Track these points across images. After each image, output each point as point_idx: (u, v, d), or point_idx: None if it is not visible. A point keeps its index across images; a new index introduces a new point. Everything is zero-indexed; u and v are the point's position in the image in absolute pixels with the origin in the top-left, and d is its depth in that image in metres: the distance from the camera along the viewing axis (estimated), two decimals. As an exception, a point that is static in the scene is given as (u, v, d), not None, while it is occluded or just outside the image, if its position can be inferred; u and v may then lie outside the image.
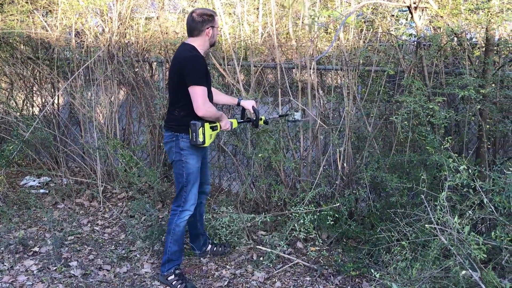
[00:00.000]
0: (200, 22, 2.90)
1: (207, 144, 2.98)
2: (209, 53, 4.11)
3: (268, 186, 3.89)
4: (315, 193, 3.52)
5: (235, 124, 3.21)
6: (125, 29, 4.59)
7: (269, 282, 3.18)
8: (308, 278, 3.21)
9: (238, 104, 3.36)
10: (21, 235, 3.67)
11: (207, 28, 2.91)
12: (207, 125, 2.95)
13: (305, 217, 3.30)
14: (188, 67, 2.83)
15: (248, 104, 3.32)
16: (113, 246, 3.64)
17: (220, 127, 3.08)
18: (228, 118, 3.14)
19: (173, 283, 3.04)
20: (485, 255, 2.30)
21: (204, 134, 2.93)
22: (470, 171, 2.63)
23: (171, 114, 3.01)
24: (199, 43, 2.95)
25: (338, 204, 3.41)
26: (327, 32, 4.22)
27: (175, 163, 3.02)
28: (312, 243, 3.60)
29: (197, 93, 2.81)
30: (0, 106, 5.03)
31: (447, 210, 2.47)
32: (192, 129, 2.90)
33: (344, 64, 3.71)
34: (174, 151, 3.00)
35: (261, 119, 3.36)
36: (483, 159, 3.32)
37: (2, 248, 3.49)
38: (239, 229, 3.55)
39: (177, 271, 3.09)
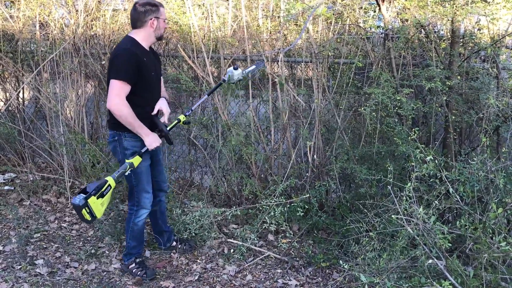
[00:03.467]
0: (142, 12, 2.77)
1: (99, 216, 2.69)
2: (178, 45, 4.04)
3: (239, 179, 3.87)
4: (286, 186, 3.52)
5: (136, 162, 2.83)
6: (91, 21, 4.48)
7: (240, 275, 3.17)
8: (279, 271, 3.21)
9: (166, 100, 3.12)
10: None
11: (151, 19, 2.78)
12: (92, 199, 2.63)
13: (276, 209, 3.30)
14: (114, 61, 2.74)
15: (157, 104, 2.99)
16: (81, 243, 3.56)
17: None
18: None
19: (133, 270, 3.10)
20: (450, 244, 2.35)
21: (91, 211, 2.64)
22: (436, 161, 2.67)
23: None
24: (142, 36, 2.82)
25: (308, 195, 3.42)
26: (297, 25, 4.21)
27: (121, 163, 2.90)
28: (283, 235, 3.61)
29: (113, 86, 2.69)
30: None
31: (414, 200, 2.51)
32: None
33: (313, 57, 3.71)
34: (118, 151, 2.90)
35: (179, 120, 3.05)
36: (450, 150, 3.38)
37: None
38: (209, 223, 3.52)
39: (137, 260, 3.13)
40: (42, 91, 4.50)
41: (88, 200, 2.61)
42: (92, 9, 4.42)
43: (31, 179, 4.52)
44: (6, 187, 4.51)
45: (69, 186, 4.29)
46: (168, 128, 2.95)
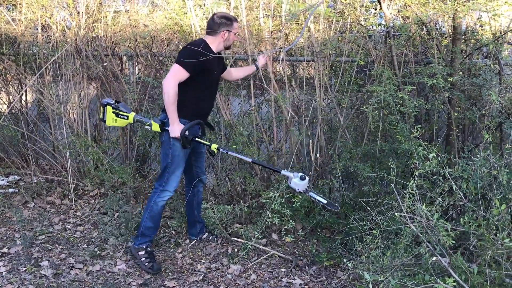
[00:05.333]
0: (217, 24, 3.10)
1: (108, 124, 3.25)
2: (180, 46, 4.05)
3: (242, 179, 3.87)
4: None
5: (155, 127, 3.14)
6: (93, 23, 4.49)
7: (244, 274, 3.17)
8: (283, 270, 3.21)
9: (258, 68, 3.61)
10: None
11: (223, 31, 3.10)
12: (109, 108, 3.19)
13: (277, 200, 3.25)
14: (182, 51, 3.11)
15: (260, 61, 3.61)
16: (85, 244, 3.57)
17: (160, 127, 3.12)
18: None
19: (142, 259, 3.21)
20: (454, 241, 2.34)
21: (104, 113, 3.20)
22: (439, 158, 2.67)
23: None
24: (212, 41, 3.13)
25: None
26: (298, 24, 4.21)
27: (163, 142, 3.15)
28: (287, 234, 3.60)
29: (172, 68, 2.99)
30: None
31: (417, 198, 2.50)
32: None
33: (315, 55, 3.71)
34: (164, 131, 3.13)
35: (210, 146, 3.16)
36: (453, 147, 3.37)
37: (-30, 250, 3.39)
38: (216, 221, 3.51)
39: (148, 249, 3.25)
40: (45, 94, 4.52)
41: (106, 106, 3.19)
42: (93, 11, 4.44)
43: (35, 181, 4.53)
44: (10, 190, 4.53)
45: (73, 188, 4.30)
46: (196, 139, 3.12)
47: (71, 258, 3.36)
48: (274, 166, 3.86)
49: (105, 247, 3.49)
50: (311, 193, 2.99)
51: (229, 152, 3.19)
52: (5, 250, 3.42)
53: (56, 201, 4.32)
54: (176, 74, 2.98)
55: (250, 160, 3.21)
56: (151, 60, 4.49)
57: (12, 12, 4.78)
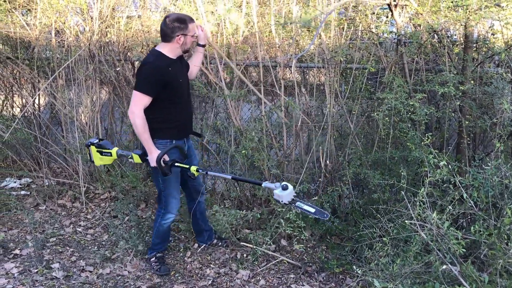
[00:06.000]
0: (170, 29, 2.89)
1: (96, 164, 3.18)
2: (191, 52, 4.08)
3: (252, 185, 3.88)
4: (299, 191, 3.52)
5: (136, 159, 3.05)
6: (106, 28, 4.54)
7: (253, 280, 3.18)
8: (292, 276, 3.22)
9: (203, 46, 3.31)
10: (2, 237, 3.61)
11: (178, 36, 2.89)
12: (93, 148, 3.10)
13: (294, 217, 3.26)
14: (137, 74, 2.97)
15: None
16: (96, 247, 3.60)
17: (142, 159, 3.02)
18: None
19: (152, 264, 3.29)
20: (464, 250, 2.34)
21: (90, 154, 3.14)
22: (450, 166, 2.66)
23: (146, 118, 2.94)
24: (169, 49, 2.95)
25: (328, 203, 3.39)
26: (309, 30, 4.22)
27: (152, 168, 3.03)
28: (296, 240, 3.61)
29: (133, 96, 2.87)
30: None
31: (427, 205, 2.50)
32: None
33: (325, 62, 3.72)
34: (146, 161, 3.02)
35: (189, 169, 2.99)
36: (463, 155, 3.36)
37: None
38: (228, 226, 3.53)
39: (158, 254, 3.32)
40: (58, 97, 4.58)
41: (90, 147, 3.11)
42: (106, 17, 4.49)
43: (47, 184, 4.58)
44: (23, 192, 4.59)
45: (84, 191, 4.34)
46: (176, 164, 2.97)
47: (81, 260, 3.39)
48: (283, 172, 3.87)
49: (115, 250, 3.52)
50: (297, 204, 2.72)
51: (208, 172, 3.06)
52: (17, 251, 3.47)
53: (67, 204, 4.37)
54: (138, 102, 2.85)
55: (229, 177, 3.11)
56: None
57: (27, 17, 4.85)
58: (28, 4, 4.71)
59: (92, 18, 4.46)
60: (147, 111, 2.90)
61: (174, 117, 3.03)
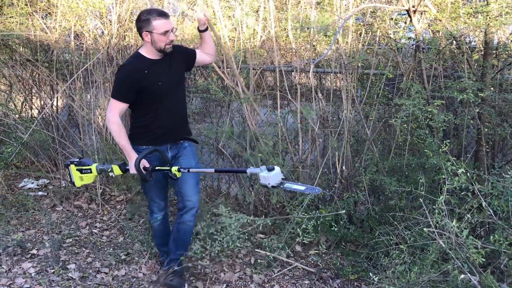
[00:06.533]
0: (137, 26, 2.75)
1: (77, 185, 2.97)
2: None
3: (266, 189, 3.87)
4: (314, 196, 3.51)
5: (116, 171, 2.87)
6: (124, 32, 4.59)
7: (267, 285, 3.17)
8: (306, 282, 3.20)
9: (205, 30, 3.00)
10: (19, 237, 3.66)
11: (143, 33, 2.71)
12: (72, 167, 2.93)
13: (308, 223, 3.26)
14: (115, 78, 2.90)
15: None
16: (111, 249, 3.63)
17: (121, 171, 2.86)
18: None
19: (168, 275, 3.02)
20: (483, 259, 2.30)
21: (70, 174, 2.94)
22: (468, 174, 2.63)
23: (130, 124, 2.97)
24: (147, 49, 2.79)
25: (344, 211, 3.38)
26: (326, 35, 4.22)
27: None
28: (311, 246, 3.59)
29: (109, 103, 2.80)
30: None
31: (445, 213, 2.47)
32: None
33: (343, 67, 3.71)
34: (126, 172, 2.93)
35: (170, 170, 2.78)
36: (482, 163, 3.32)
37: (0, 251, 3.48)
38: (238, 232, 3.53)
39: (174, 268, 3.00)
40: (76, 100, 4.63)
41: (70, 166, 2.93)
42: (125, 20, 4.55)
43: (64, 185, 4.63)
44: (40, 193, 4.65)
45: (100, 192, 4.38)
46: (156, 168, 2.81)
47: (97, 262, 3.42)
48: (298, 177, 3.86)
49: (130, 252, 3.54)
50: (286, 185, 2.52)
51: (190, 170, 2.81)
52: (34, 251, 3.51)
53: (83, 205, 4.41)
54: (113, 108, 2.75)
55: (212, 170, 2.99)
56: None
57: (47, 20, 4.93)
58: (48, 8, 4.79)
59: (110, 21, 4.52)
60: (132, 116, 2.90)
61: (152, 122, 2.86)
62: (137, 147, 2.84)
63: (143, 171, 2.74)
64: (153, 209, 3.14)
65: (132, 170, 2.76)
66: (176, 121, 2.96)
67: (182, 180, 2.92)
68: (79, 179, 2.95)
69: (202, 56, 3.06)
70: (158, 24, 2.67)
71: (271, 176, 2.49)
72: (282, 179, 2.54)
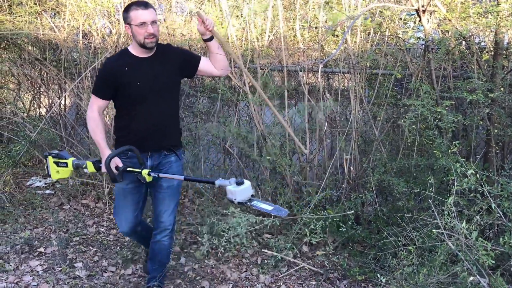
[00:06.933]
0: (123, 18, 2.57)
1: (53, 177, 2.80)
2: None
3: (273, 189, 3.87)
4: (321, 197, 3.50)
5: (90, 168, 2.69)
6: (132, 31, 4.60)
7: (274, 285, 3.16)
8: (313, 282, 3.19)
9: (211, 39, 2.62)
10: (27, 235, 3.67)
11: (125, 26, 2.53)
12: (50, 159, 2.76)
13: (316, 223, 3.24)
14: None
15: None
16: (118, 248, 3.64)
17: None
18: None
19: None
20: (493, 261, 2.28)
21: (48, 166, 2.79)
22: (478, 175, 2.61)
23: None
24: (134, 45, 2.59)
25: (351, 211, 3.37)
26: (334, 35, 4.21)
27: None
28: (318, 246, 3.58)
29: (90, 100, 2.66)
30: (7, 107, 5.05)
31: (454, 215, 2.45)
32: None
33: (351, 67, 3.69)
34: (99, 170, 2.73)
35: (140, 172, 2.55)
36: (491, 164, 3.29)
37: (8, 248, 3.50)
38: (245, 232, 3.52)
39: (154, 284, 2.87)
40: (84, 99, 4.64)
41: (48, 157, 2.77)
42: (133, 20, 4.54)
43: (71, 184, 4.65)
44: (48, 191, 4.66)
45: (107, 191, 4.39)
46: (127, 168, 2.58)
47: (104, 260, 3.43)
48: (305, 178, 3.85)
49: (137, 251, 3.54)
50: (254, 203, 2.31)
51: (160, 174, 2.57)
52: (41, 249, 3.52)
53: (90, 204, 4.42)
54: (92, 104, 2.62)
55: (182, 177, 2.65)
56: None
57: (55, 19, 4.95)
58: (57, 7, 4.81)
59: (119, 21, 4.52)
60: (114, 116, 2.77)
61: (129, 124, 2.65)
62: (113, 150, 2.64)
63: (114, 171, 2.55)
64: (119, 224, 2.84)
65: (103, 168, 2.56)
66: (159, 128, 2.66)
67: (159, 199, 2.76)
68: (56, 172, 2.80)
69: (208, 66, 2.72)
70: (134, 15, 2.47)
71: (238, 191, 2.27)
72: (251, 195, 2.32)
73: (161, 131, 2.67)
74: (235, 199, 2.27)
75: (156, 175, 2.55)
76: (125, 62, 2.57)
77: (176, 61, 2.67)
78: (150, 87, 2.58)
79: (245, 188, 2.28)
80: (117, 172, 2.55)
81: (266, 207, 2.30)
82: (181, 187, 2.90)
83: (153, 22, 2.49)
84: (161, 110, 2.64)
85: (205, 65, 2.72)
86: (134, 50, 2.59)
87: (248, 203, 2.31)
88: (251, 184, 2.33)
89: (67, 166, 2.75)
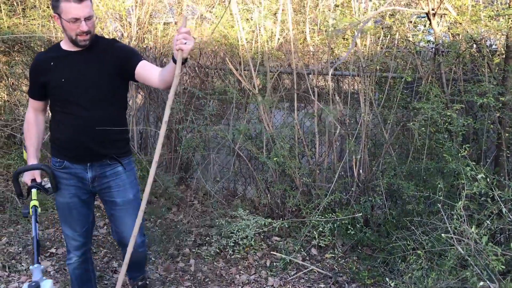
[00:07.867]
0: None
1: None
2: (226, 58, 4.12)
3: (282, 192, 3.88)
4: (330, 200, 3.50)
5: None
6: (143, 34, 4.65)
7: (283, 288, 3.17)
8: (322, 285, 3.19)
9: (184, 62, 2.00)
10: (39, 236, 3.71)
11: (53, 15, 2.15)
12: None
13: (325, 226, 3.25)
14: None
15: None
16: (128, 249, 3.66)
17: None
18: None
19: None
20: (503, 267, 2.27)
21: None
22: (488, 179, 2.59)
23: None
24: (64, 36, 2.23)
25: (360, 214, 3.37)
26: (344, 38, 4.21)
27: None
28: (327, 249, 3.58)
29: None
30: (20, 109, 5.12)
31: (464, 219, 2.44)
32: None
33: (361, 70, 3.69)
34: None
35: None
36: (502, 168, 3.26)
37: (20, 249, 3.54)
38: (254, 234, 3.53)
39: None
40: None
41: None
42: (144, 23, 4.60)
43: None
44: (59, 192, 4.70)
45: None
46: (32, 189, 2.37)
47: (114, 261, 3.45)
48: (315, 180, 3.85)
49: (147, 253, 3.56)
50: None
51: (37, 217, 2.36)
52: (53, 250, 3.56)
53: (101, 205, 4.45)
54: (29, 105, 2.38)
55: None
56: (197, 71, 4.59)
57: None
58: (69, 10, 4.86)
59: (130, 24, 4.57)
60: None
61: (57, 129, 2.34)
62: (53, 158, 2.39)
63: (19, 184, 2.29)
64: (68, 246, 2.50)
65: (25, 179, 2.34)
66: (93, 136, 2.26)
67: (118, 217, 2.46)
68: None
69: (147, 72, 2.22)
70: (65, 7, 2.06)
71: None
72: None
73: (97, 139, 2.28)
74: None
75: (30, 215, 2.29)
76: (52, 56, 2.24)
77: (117, 60, 2.25)
78: (76, 86, 2.21)
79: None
80: (23, 188, 2.30)
81: None
82: (139, 198, 2.46)
83: (88, 18, 2.11)
84: (94, 114, 2.24)
85: (143, 69, 2.23)
86: (65, 42, 2.23)
87: None
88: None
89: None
